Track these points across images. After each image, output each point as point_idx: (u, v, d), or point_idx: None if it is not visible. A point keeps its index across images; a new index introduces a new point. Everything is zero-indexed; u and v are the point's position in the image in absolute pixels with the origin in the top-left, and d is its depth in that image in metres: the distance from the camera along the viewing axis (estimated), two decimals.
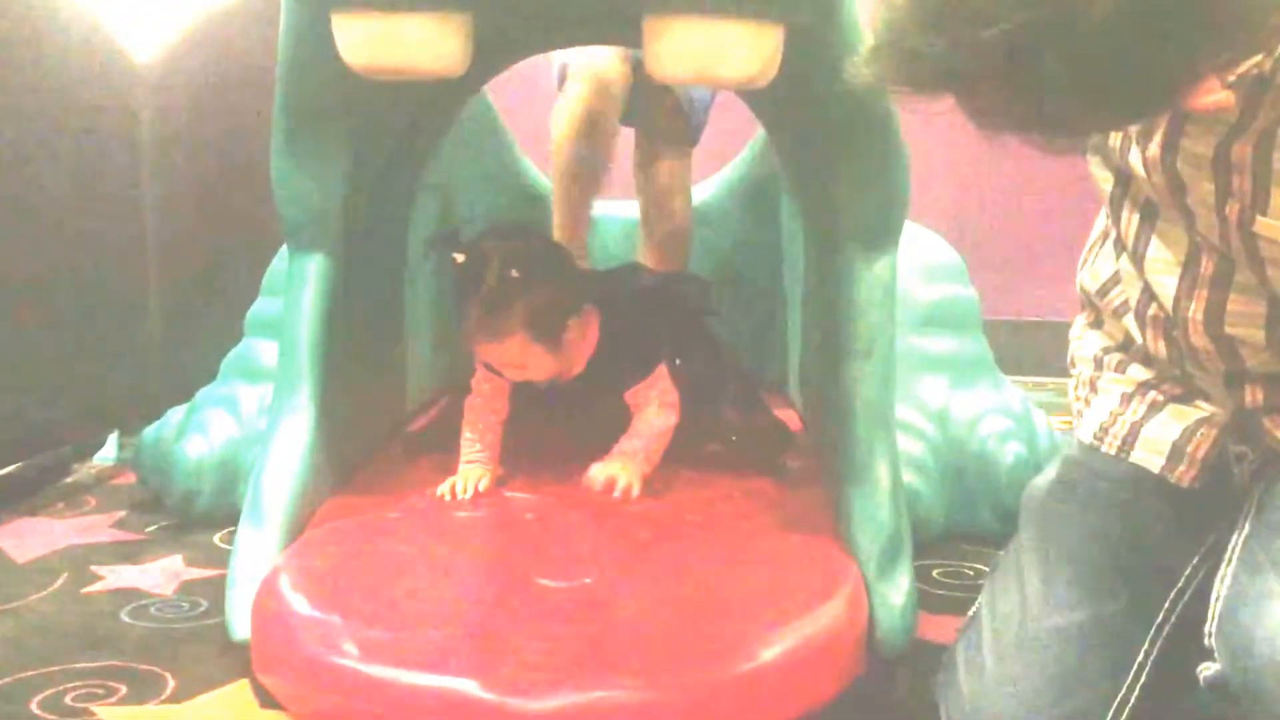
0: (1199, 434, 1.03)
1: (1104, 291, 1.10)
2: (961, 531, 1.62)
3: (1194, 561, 1.04)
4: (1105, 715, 0.99)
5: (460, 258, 1.44)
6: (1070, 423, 1.19)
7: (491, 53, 1.36)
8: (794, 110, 1.46)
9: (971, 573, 1.55)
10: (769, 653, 1.10)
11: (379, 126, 1.49)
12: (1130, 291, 1.06)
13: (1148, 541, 1.05)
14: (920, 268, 1.74)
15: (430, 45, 1.12)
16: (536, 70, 2.29)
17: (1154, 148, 0.93)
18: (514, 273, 1.43)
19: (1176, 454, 1.04)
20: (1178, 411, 1.05)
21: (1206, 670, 0.93)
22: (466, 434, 1.57)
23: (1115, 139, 0.99)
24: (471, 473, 1.53)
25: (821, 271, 1.59)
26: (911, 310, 1.68)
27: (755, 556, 1.34)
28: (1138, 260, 1.02)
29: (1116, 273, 1.08)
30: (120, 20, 2.00)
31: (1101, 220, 1.12)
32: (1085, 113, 0.74)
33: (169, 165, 2.11)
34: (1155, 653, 1.01)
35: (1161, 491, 1.05)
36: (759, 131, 2.10)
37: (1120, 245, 1.05)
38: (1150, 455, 1.05)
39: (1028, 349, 2.70)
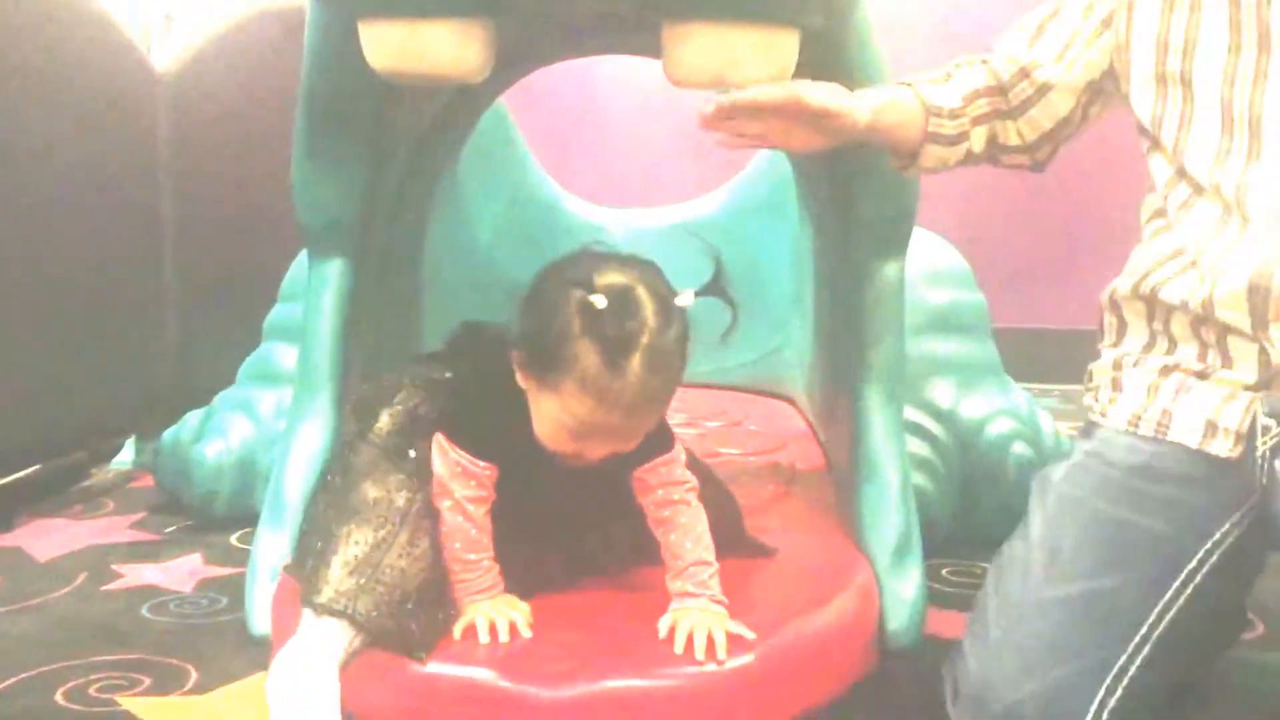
0: (1228, 406, 1.07)
1: (1148, 273, 1.13)
2: (969, 531, 1.63)
3: (1199, 555, 1.06)
4: (1103, 682, 1.03)
5: (601, 302, 1.05)
6: (1075, 429, 1.21)
7: (510, 61, 1.39)
8: None
9: (981, 571, 1.55)
10: (781, 645, 1.13)
11: (399, 133, 1.51)
12: (1202, 247, 1.08)
13: (1155, 527, 1.08)
14: (928, 273, 1.76)
15: (453, 51, 1.15)
16: (552, 79, 2.32)
17: None
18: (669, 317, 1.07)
19: (1210, 428, 1.07)
20: (1203, 390, 1.09)
21: None
22: (469, 556, 1.16)
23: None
24: (504, 607, 1.16)
25: (832, 276, 1.61)
26: (920, 314, 1.70)
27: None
28: (1241, 202, 1.05)
29: (1179, 249, 1.11)
30: (139, 26, 2.03)
31: (1153, 222, 1.16)
32: None
33: (187, 171, 2.14)
34: (1160, 631, 1.04)
35: (1174, 481, 1.08)
36: None
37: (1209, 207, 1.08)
38: (1188, 432, 1.09)
39: (1035, 356, 2.72)
